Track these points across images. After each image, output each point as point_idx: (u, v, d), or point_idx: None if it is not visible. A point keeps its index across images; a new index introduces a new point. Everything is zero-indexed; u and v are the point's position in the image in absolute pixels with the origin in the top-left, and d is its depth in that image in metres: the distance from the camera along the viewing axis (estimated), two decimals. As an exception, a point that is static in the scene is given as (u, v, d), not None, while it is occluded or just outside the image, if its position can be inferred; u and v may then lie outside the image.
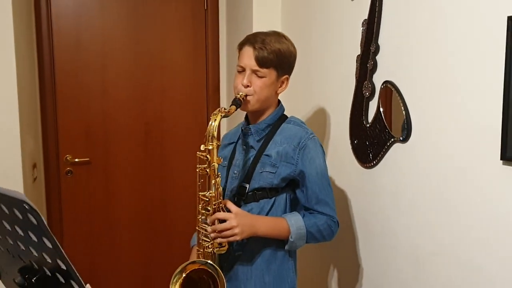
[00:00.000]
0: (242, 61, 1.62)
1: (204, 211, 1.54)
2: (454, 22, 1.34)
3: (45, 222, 0.76)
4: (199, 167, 1.53)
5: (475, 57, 1.26)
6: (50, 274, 0.89)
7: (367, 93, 1.73)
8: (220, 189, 1.53)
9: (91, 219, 2.91)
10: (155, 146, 2.99)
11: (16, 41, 2.24)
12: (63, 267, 0.81)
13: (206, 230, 1.54)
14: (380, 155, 1.69)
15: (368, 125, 1.74)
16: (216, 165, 1.51)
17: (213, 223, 1.51)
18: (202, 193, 1.54)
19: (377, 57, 1.70)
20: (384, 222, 1.70)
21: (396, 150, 1.62)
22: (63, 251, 0.79)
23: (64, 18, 2.74)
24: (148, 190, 3.00)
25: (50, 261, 0.84)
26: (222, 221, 1.50)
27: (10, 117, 2.25)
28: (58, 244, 0.78)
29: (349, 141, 1.87)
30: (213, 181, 1.51)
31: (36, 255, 0.87)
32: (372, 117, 1.72)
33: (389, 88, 1.61)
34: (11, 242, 0.92)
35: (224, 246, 1.53)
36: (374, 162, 1.72)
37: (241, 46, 1.65)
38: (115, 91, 2.87)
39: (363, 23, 1.76)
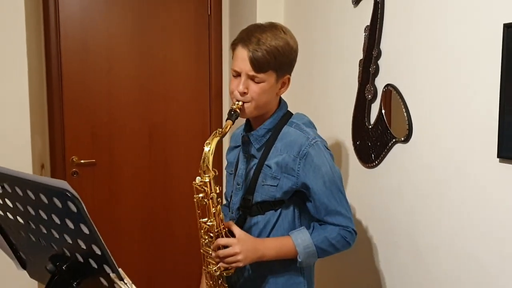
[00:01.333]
0: (236, 65, 1.45)
1: (206, 237, 1.47)
2: (453, 28, 1.42)
3: (85, 209, 0.82)
4: (197, 196, 1.43)
5: (473, 61, 1.34)
6: (82, 260, 0.95)
7: (370, 96, 1.81)
8: (222, 215, 1.44)
9: (95, 220, 2.92)
10: (158, 148, 3.05)
11: (28, 46, 2.31)
12: (98, 252, 0.87)
13: (210, 254, 1.47)
14: (382, 156, 1.76)
15: (370, 127, 1.82)
16: (215, 195, 1.41)
17: (216, 249, 1.44)
18: (203, 220, 1.45)
19: (379, 62, 1.77)
20: (386, 219, 1.76)
21: (398, 150, 1.69)
22: (100, 236, 0.85)
23: (71, 23, 2.81)
24: (151, 191, 3.06)
25: (84, 247, 0.90)
26: (225, 246, 1.43)
27: (22, 119, 2.32)
28: (95, 229, 0.85)
29: (351, 142, 1.95)
30: (213, 210, 1.41)
31: (71, 242, 0.93)
32: (374, 119, 1.79)
33: (391, 91, 1.69)
34: (45, 231, 0.98)
35: (231, 269, 1.47)
36: (376, 162, 1.80)
37: (234, 46, 1.47)
38: (120, 94, 2.94)
39: (365, 28, 1.83)
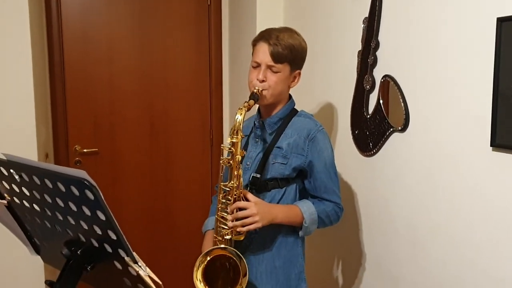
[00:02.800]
0: (257, 57, 1.67)
1: (224, 200, 1.62)
2: (449, 21, 1.46)
3: (102, 197, 0.87)
4: (223, 158, 1.60)
5: (468, 53, 1.39)
6: (97, 245, 1.00)
7: (368, 86, 1.86)
8: (241, 179, 1.60)
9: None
10: (160, 137, 3.10)
11: (32, 37, 2.34)
12: (113, 237, 0.92)
13: (224, 218, 1.61)
14: (379, 144, 1.82)
15: (368, 116, 1.87)
16: (240, 157, 1.58)
17: (233, 211, 1.58)
18: (223, 183, 1.61)
19: (377, 53, 1.82)
20: (383, 206, 1.82)
21: (395, 139, 1.74)
22: (116, 221, 0.90)
23: (72, 13, 2.83)
24: (153, 180, 3.11)
25: (100, 233, 0.95)
26: (242, 209, 1.58)
27: (27, 110, 2.37)
28: (112, 215, 0.89)
29: (350, 132, 2.00)
30: (235, 172, 1.58)
31: (86, 228, 0.97)
32: (372, 109, 1.84)
33: (389, 82, 1.74)
34: (61, 218, 1.03)
35: (242, 234, 1.60)
36: (374, 151, 1.85)
37: (255, 42, 1.71)
38: (122, 84, 2.97)
39: (364, 20, 1.88)
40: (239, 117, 1.56)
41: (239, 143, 1.57)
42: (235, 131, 1.57)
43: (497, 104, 1.28)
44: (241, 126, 1.57)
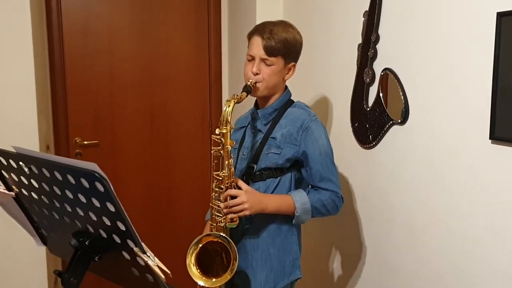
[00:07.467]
0: (251, 51, 1.73)
1: (217, 189, 1.66)
2: (449, 15, 1.48)
3: (113, 189, 0.89)
4: (214, 149, 1.64)
5: (468, 47, 1.41)
6: (105, 236, 1.02)
7: (368, 79, 1.87)
8: (233, 169, 1.65)
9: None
10: (160, 129, 3.11)
11: (33, 29, 2.35)
12: (122, 228, 0.94)
13: (219, 206, 1.66)
14: (379, 137, 1.84)
15: (368, 109, 1.89)
16: (230, 147, 1.62)
17: (225, 199, 1.64)
18: (216, 172, 1.65)
19: (377, 46, 1.83)
20: (383, 198, 1.85)
21: (394, 132, 1.76)
22: (125, 213, 0.92)
23: (72, 4, 2.83)
24: (153, 171, 3.13)
25: (109, 224, 0.97)
26: (233, 197, 1.63)
27: (29, 103, 2.38)
28: (121, 207, 0.91)
29: (350, 124, 2.02)
30: (226, 162, 1.63)
31: (95, 219, 0.99)
32: (372, 102, 1.86)
33: (388, 75, 1.76)
34: (69, 209, 1.05)
35: (235, 221, 1.65)
36: (374, 143, 1.87)
37: (250, 36, 1.76)
38: (122, 76, 2.98)
39: (364, 14, 1.89)
40: (227, 109, 1.61)
41: (228, 134, 1.62)
42: (224, 122, 1.61)
43: (496, 98, 1.30)
44: (229, 117, 1.61)
